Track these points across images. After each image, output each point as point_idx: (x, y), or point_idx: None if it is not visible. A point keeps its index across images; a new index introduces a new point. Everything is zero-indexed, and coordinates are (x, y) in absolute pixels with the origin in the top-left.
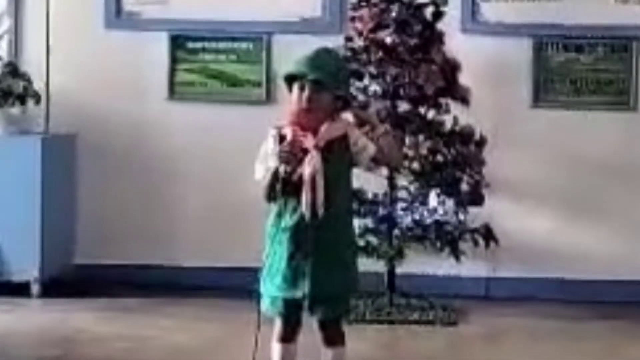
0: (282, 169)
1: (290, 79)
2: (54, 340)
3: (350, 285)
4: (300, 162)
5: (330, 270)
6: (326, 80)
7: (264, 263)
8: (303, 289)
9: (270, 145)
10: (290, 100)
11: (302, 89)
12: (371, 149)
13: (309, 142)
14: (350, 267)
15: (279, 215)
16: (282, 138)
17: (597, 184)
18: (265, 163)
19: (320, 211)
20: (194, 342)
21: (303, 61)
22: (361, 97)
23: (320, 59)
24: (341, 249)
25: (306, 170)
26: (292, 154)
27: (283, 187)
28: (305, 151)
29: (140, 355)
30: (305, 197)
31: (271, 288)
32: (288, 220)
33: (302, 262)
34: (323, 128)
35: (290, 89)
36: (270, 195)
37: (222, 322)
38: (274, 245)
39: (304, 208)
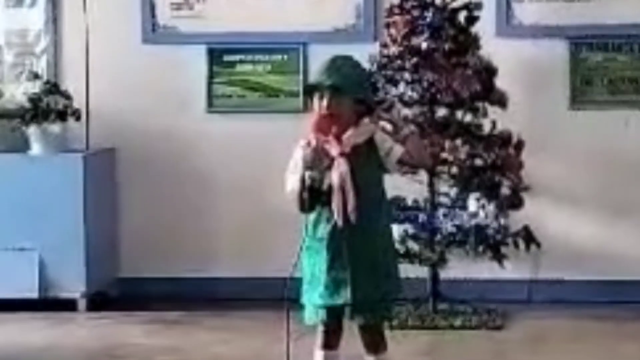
0: (307, 174)
1: (310, 92)
2: (101, 355)
3: (390, 290)
4: (328, 168)
5: (368, 276)
6: (343, 85)
7: (304, 273)
8: (344, 297)
9: (297, 156)
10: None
11: (321, 97)
12: (397, 151)
13: (334, 149)
14: (389, 272)
15: (315, 225)
16: (309, 146)
17: (637, 184)
18: (295, 174)
19: (353, 217)
20: (236, 353)
21: (319, 70)
22: (398, 105)
23: (336, 65)
24: (379, 254)
25: (334, 178)
26: (316, 158)
27: (310, 194)
28: (332, 159)
29: None
30: (336, 204)
31: (313, 297)
32: (323, 230)
33: (340, 270)
34: (347, 134)
35: (312, 102)
36: (303, 205)
37: (262, 333)
38: (312, 255)
39: (336, 216)
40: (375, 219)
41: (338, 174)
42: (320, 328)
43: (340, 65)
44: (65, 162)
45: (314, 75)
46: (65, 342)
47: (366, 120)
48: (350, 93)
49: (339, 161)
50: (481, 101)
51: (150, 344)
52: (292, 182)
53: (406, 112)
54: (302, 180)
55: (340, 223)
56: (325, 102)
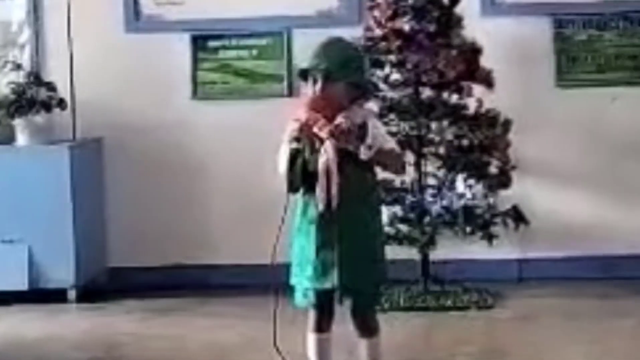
0: (292, 145)
1: (305, 75)
2: (93, 344)
3: (379, 275)
4: (317, 150)
5: (357, 260)
6: (335, 69)
7: (294, 256)
8: (331, 280)
9: (287, 137)
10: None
11: (315, 81)
12: (378, 149)
13: (324, 132)
14: (378, 257)
15: (304, 208)
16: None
17: (624, 160)
18: (284, 156)
19: (334, 203)
20: (232, 339)
21: (313, 53)
22: (383, 86)
23: (329, 48)
24: (368, 238)
25: (320, 161)
26: (302, 130)
27: (293, 166)
28: (322, 141)
29: (180, 354)
30: (319, 187)
31: (302, 280)
32: (313, 212)
33: (329, 253)
34: (340, 115)
35: (306, 85)
36: (291, 183)
37: (257, 319)
38: (301, 237)
39: (319, 201)
40: (366, 203)
41: (324, 158)
42: (312, 311)
43: (334, 49)
44: (52, 153)
45: (308, 59)
46: (58, 333)
47: (357, 105)
48: (344, 77)
49: (326, 145)
50: (467, 81)
51: (144, 333)
52: (281, 164)
53: (392, 94)
54: (290, 153)
55: (321, 208)
56: (318, 86)
